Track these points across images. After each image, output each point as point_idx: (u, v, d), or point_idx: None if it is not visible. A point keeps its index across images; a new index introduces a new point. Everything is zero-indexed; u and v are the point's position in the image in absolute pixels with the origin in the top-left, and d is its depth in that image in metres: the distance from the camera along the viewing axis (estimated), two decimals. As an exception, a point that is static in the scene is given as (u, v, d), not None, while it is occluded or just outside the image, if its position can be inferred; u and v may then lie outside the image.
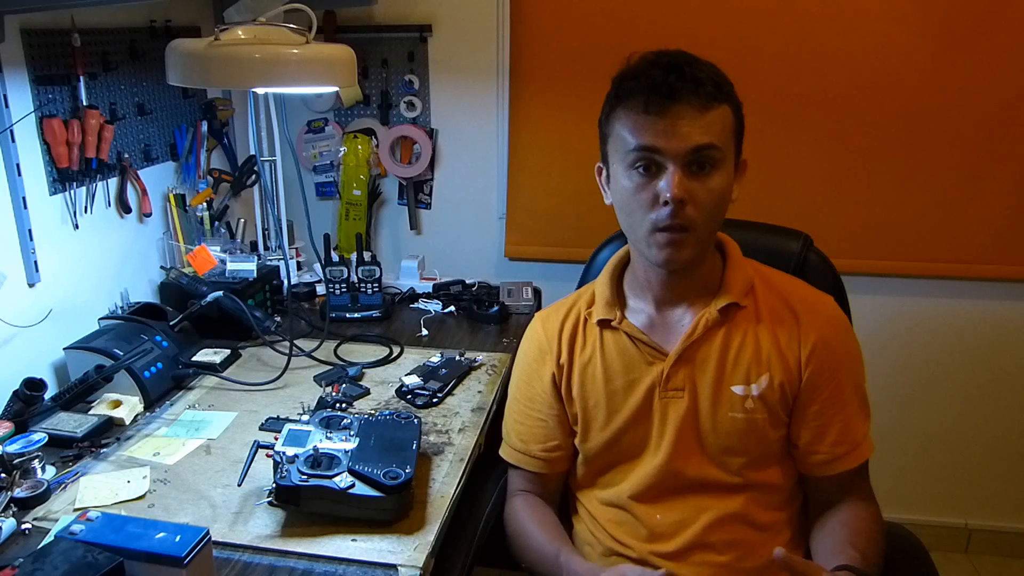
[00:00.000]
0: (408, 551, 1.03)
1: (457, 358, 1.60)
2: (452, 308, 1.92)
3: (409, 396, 1.45)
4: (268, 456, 1.12)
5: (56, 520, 1.07)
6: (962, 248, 2.00)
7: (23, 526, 1.06)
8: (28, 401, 1.30)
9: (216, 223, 1.90)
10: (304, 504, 1.05)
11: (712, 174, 1.01)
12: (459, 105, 2.09)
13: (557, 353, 1.17)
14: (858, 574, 0.98)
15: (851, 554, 1.02)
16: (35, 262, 1.42)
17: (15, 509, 1.10)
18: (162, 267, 1.79)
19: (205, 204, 1.88)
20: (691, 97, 0.98)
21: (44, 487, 1.13)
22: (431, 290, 2.00)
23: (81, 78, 1.49)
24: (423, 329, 1.80)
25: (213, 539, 0.95)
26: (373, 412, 1.31)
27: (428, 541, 1.05)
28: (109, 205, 1.63)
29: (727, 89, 1.02)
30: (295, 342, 1.55)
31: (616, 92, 1.05)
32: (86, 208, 1.56)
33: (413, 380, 1.48)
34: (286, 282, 1.75)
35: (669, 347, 1.10)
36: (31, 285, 1.43)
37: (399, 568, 1.00)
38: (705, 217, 1.02)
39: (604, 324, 1.15)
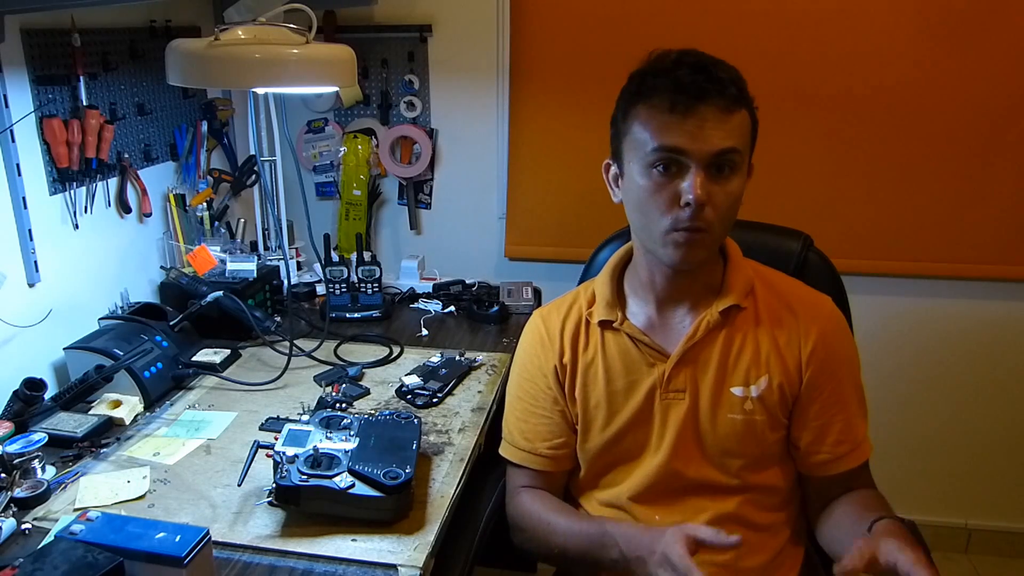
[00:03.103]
0: (408, 551, 1.03)
1: (457, 358, 1.60)
2: (452, 308, 1.92)
3: (409, 396, 1.45)
4: (268, 456, 1.12)
5: (56, 520, 1.07)
6: (962, 248, 2.00)
7: (23, 526, 1.06)
8: (28, 401, 1.30)
9: (216, 223, 1.90)
10: (304, 504, 1.05)
11: (731, 177, 1.00)
12: (459, 105, 2.09)
13: (560, 351, 1.16)
14: (896, 520, 0.97)
15: (882, 512, 1.01)
16: (35, 262, 1.42)
17: (15, 509, 1.10)
18: (162, 267, 1.79)
19: (205, 204, 1.88)
20: (717, 99, 0.97)
21: (44, 487, 1.13)
22: (431, 290, 2.00)
23: (81, 78, 1.49)
24: (423, 329, 1.80)
25: (213, 539, 0.95)
26: (373, 412, 1.31)
27: (428, 541, 1.05)
28: (109, 205, 1.63)
29: (746, 92, 1.02)
30: (295, 342, 1.55)
31: (637, 88, 1.03)
32: (86, 208, 1.56)
33: (413, 380, 1.48)
34: (286, 282, 1.75)
35: (670, 348, 1.10)
36: (31, 285, 1.43)
37: (399, 568, 1.00)
38: (721, 219, 1.01)
39: (605, 325, 1.15)
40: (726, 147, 0.98)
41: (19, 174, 1.37)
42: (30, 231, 1.41)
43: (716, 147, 0.97)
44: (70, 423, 1.30)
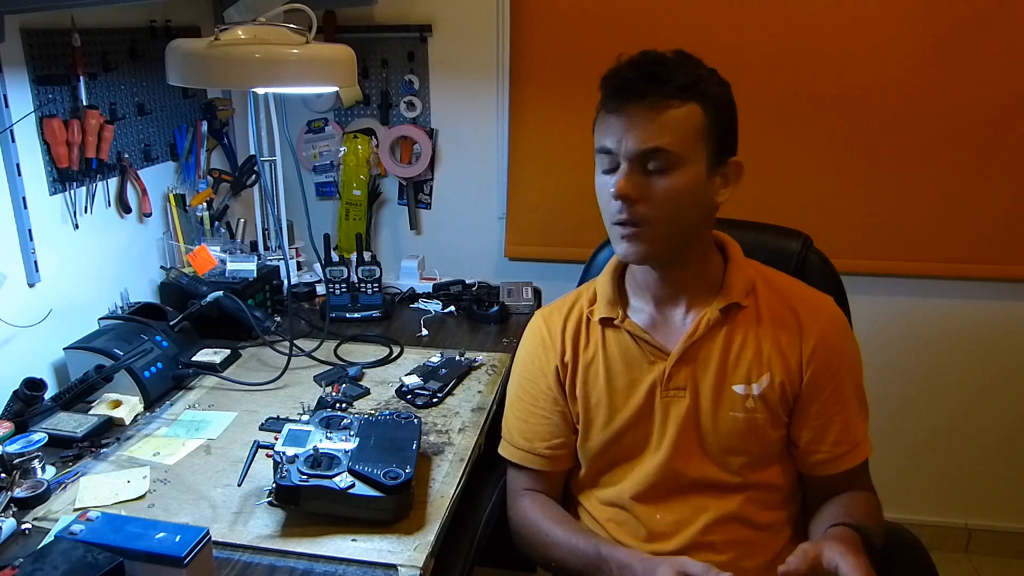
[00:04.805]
0: (408, 551, 1.03)
1: (457, 358, 1.60)
2: (452, 308, 1.92)
3: (409, 396, 1.45)
4: (268, 456, 1.12)
5: (56, 520, 1.07)
6: (962, 248, 2.00)
7: (23, 526, 1.06)
8: (28, 401, 1.30)
9: (216, 223, 1.90)
10: (304, 504, 1.05)
11: (668, 174, 1.00)
12: (459, 105, 2.09)
13: (561, 351, 1.17)
14: (851, 527, 0.99)
15: (845, 519, 1.03)
16: (35, 262, 1.42)
17: (15, 509, 1.10)
18: (162, 267, 1.79)
19: (205, 204, 1.88)
20: (647, 98, 0.98)
21: (44, 487, 1.13)
22: (431, 290, 2.00)
23: (81, 78, 1.49)
24: (423, 329, 1.80)
25: (213, 539, 0.95)
26: (373, 412, 1.31)
27: (428, 541, 1.05)
28: (109, 205, 1.63)
29: (701, 87, 1.00)
30: (295, 342, 1.55)
31: (600, 92, 1.07)
32: (86, 208, 1.56)
33: (413, 380, 1.48)
34: (286, 282, 1.75)
35: (671, 346, 1.11)
36: (31, 285, 1.43)
37: (399, 568, 1.00)
38: (661, 215, 1.01)
39: (606, 323, 1.15)
40: (648, 147, 0.99)
41: (19, 174, 1.37)
42: (30, 231, 1.41)
43: (638, 147, 0.99)
44: (70, 423, 1.29)
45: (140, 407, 1.39)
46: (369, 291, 1.89)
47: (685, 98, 0.99)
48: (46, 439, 1.18)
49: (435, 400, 1.43)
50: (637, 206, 1.01)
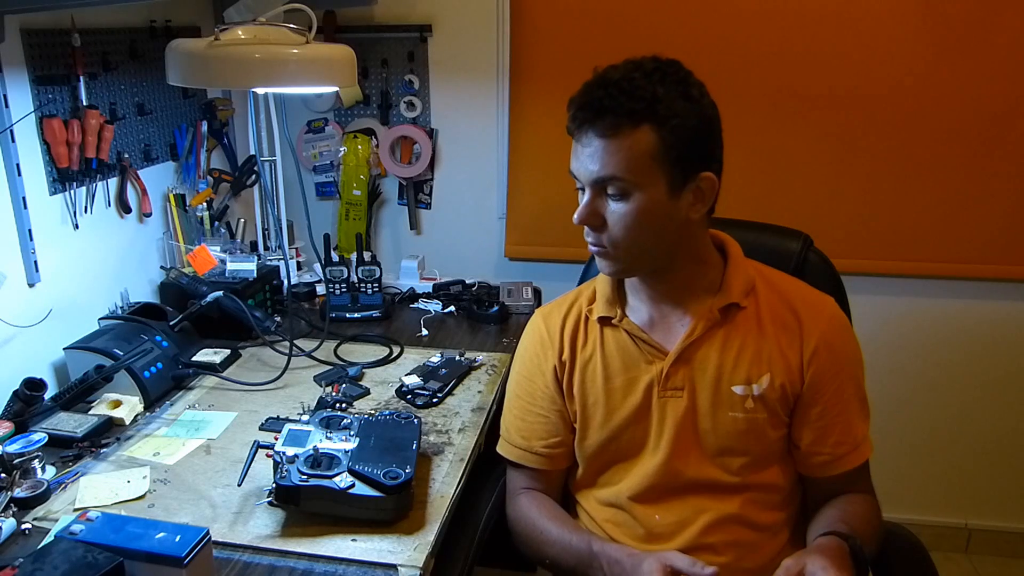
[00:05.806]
0: (408, 551, 1.03)
1: (457, 358, 1.60)
2: (452, 308, 1.92)
3: (409, 396, 1.45)
4: (268, 456, 1.12)
5: (56, 520, 1.07)
6: (962, 248, 1.99)
7: (23, 526, 1.06)
8: (28, 401, 1.30)
9: (216, 223, 1.90)
10: (304, 504, 1.05)
11: (624, 200, 1.00)
12: (459, 105, 2.09)
13: (559, 349, 1.17)
14: (840, 536, 0.99)
15: (838, 526, 1.03)
16: (35, 262, 1.42)
17: (15, 509, 1.10)
18: (162, 267, 1.79)
19: (205, 204, 1.88)
20: (597, 124, 0.98)
21: (44, 487, 1.13)
22: (431, 290, 2.00)
23: (81, 78, 1.49)
24: (423, 329, 1.80)
25: (213, 539, 0.96)
26: (373, 412, 1.31)
27: (428, 541, 1.05)
28: (109, 205, 1.63)
29: (653, 109, 0.96)
30: (295, 342, 1.55)
31: None
32: (86, 208, 1.56)
33: (413, 380, 1.48)
34: (286, 282, 1.75)
35: (669, 346, 1.11)
36: (31, 285, 1.43)
37: (399, 568, 1.00)
38: (621, 239, 1.02)
39: (605, 322, 1.15)
40: (601, 175, 0.99)
41: (19, 174, 1.37)
42: (30, 231, 1.41)
43: (592, 176, 1.00)
44: (70, 423, 1.29)
45: (140, 407, 1.39)
46: (369, 291, 1.89)
47: (636, 122, 0.97)
48: (46, 439, 1.18)
49: (435, 400, 1.43)
50: (599, 231, 1.03)
